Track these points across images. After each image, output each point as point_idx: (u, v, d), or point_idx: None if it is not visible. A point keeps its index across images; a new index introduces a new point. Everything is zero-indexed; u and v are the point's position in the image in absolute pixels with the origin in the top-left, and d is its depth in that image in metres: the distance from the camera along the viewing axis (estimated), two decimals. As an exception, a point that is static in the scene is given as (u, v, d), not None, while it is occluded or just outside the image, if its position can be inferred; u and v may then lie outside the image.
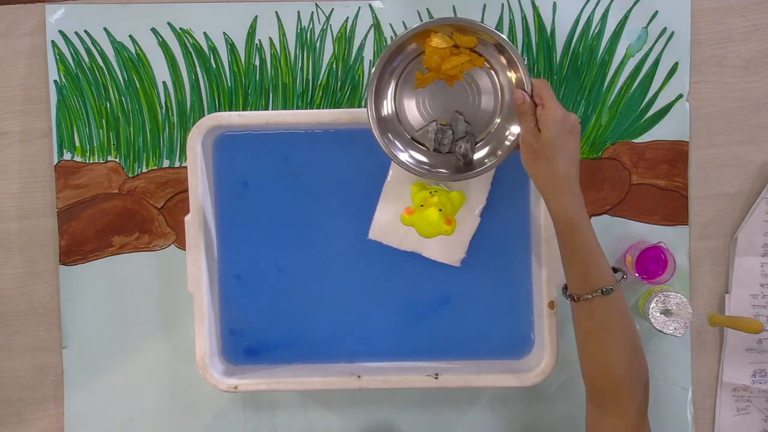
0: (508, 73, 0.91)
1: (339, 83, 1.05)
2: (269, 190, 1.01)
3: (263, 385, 0.97)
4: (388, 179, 0.99)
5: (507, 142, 0.91)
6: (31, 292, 1.06)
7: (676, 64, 1.03)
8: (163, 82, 1.05)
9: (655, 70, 1.04)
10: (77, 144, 1.05)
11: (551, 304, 0.96)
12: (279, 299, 1.02)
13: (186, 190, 0.98)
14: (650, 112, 1.04)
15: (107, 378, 1.05)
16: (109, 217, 1.05)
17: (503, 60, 0.90)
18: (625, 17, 1.03)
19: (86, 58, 1.04)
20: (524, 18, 1.04)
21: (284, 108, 1.05)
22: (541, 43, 1.04)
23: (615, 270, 0.85)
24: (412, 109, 0.94)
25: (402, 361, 1.01)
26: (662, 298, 0.97)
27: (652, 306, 0.97)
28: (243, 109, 1.05)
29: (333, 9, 1.04)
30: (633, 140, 1.04)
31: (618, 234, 1.03)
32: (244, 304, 1.02)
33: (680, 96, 1.04)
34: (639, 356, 0.85)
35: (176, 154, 1.05)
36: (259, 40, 1.04)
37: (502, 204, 0.99)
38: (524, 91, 0.86)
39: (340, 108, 1.04)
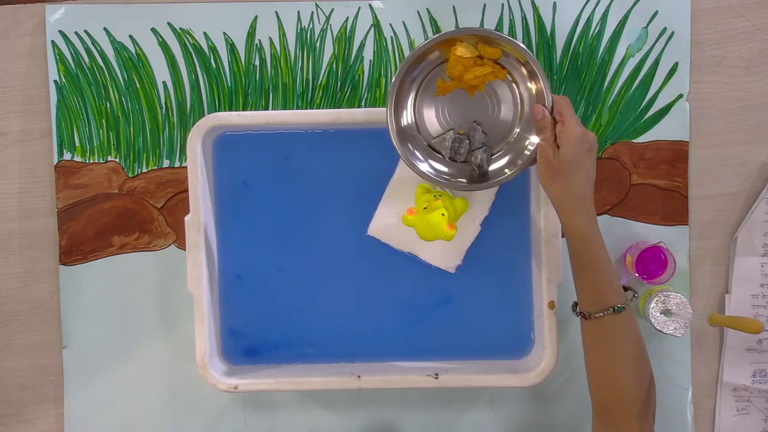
0: (529, 84, 0.91)
1: (339, 83, 1.05)
2: (269, 190, 1.01)
3: (263, 385, 0.97)
4: (394, 178, 0.99)
5: (527, 152, 0.91)
6: (31, 292, 1.06)
7: (676, 64, 1.03)
8: (163, 82, 1.05)
9: (655, 70, 1.04)
10: (77, 144, 1.05)
11: (551, 304, 0.96)
12: (279, 299, 1.02)
13: (186, 190, 0.98)
14: (650, 112, 1.04)
15: (107, 378, 1.05)
16: (109, 217, 1.05)
17: (524, 71, 0.91)
18: (625, 17, 1.03)
19: (86, 58, 1.04)
20: (524, 18, 1.04)
21: (284, 108, 1.05)
22: (541, 43, 1.04)
23: (625, 289, 0.86)
24: (431, 117, 0.94)
25: (402, 361, 1.01)
26: (662, 298, 0.97)
27: (652, 306, 0.97)
28: (243, 109, 1.05)
29: (333, 9, 1.04)
30: (633, 140, 1.04)
31: (618, 234, 1.03)
32: (244, 304, 1.02)
33: (680, 96, 1.04)
34: (649, 375, 0.85)
35: (176, 154, 1.05)
36: (259, 40, 1.04)
37: (503, 205, 0.99)
38: (544, 106, 0.87)
39: (340, 108, 1.04)
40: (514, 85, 0.92)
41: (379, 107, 1.04)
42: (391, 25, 1.04)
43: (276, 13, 1.04)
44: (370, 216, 1.00)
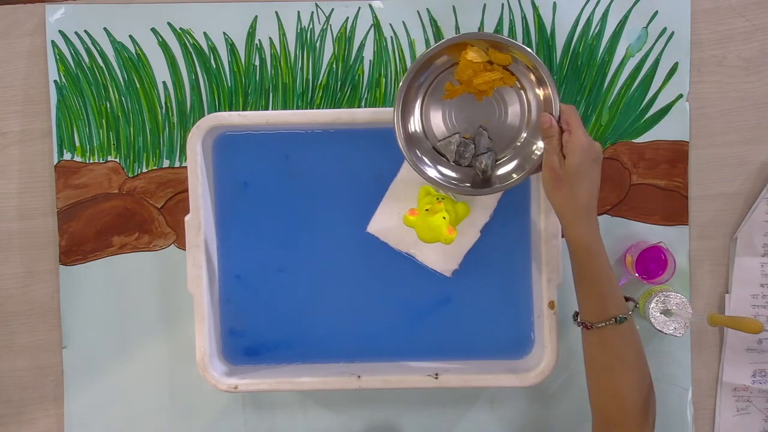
0: (537, 90, 0.91)
1: (339, 83, 1.05)
2: (269, 190, 1.01)
3: (263, 385, 0.97)
4: (397, 178, 0.99)
5: (533, 157, 0.91)
6: (31, 292, 1.06)
7: (676, 64, 1.03)
8: (163, 82, 1.05)
9: (655, 70, 1.04)
10: (77, 144, 1.05)
11: (551, 304, 0.96)
12: (279, 299, 1.02)
13: (186, 190, 0.98)
14: (650, 112, 1.04)
15: (107, 378, 1.05)
16: (109, 217, 1.05)
17: (533, 77, 0.91)
18: (625, 17, 1.03)
19: (86, 58, 1.04)
20: (524, 18, 1.04)
21: (284, 108, 1.05)
22: (541, 43, 1.04)
23: (626, 299, 0.86)
24: (437, 120, 0.94)
25: (402, 361, 1.01)
26: (662, 298, 0.97)
27: (652, 306, 0.97)
28: (243, 109, 1.05)
29: (333, 9, 1.04)
30: (633, 140, 1.04)
31: (618, 234, 1.03)
32: (244, 304, 1.02)
33: (680, 96, 1.04)
34: (649, 384, 0.85)
35: (176, 154, 1.05)
36: (259, 40, 1.04)
37: (504, 204, 0.99)
38: (551, 114, 0.87)
39: (340, 108, 1.04)
40: (522, 91, 0.92)
41: (379, 107, 1.04)
42: (391, 25, 1.04)
43: (276, 13, 1.04)
44: (370, 216, 1.00)
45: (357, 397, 1.05)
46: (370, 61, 1.04)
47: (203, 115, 1.01)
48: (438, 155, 0.95)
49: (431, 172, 0.93)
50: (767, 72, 1.03)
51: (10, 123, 1.05)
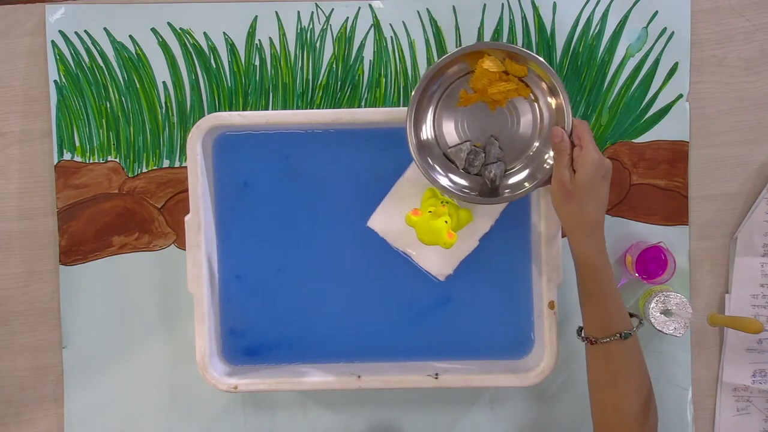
0: (549, 99, 0.91)
1: (339, 83, 1.05)
2: (269, 190, 1.01)
3: (263, 385, 0.97)
4: (404, 177, 0.99)
5: (545, 166, 0.91)
6: (31, 292, 1.06)
7: (676, 64, 1.03)
8: (163, 82, 1.05)
9: (655, 70, 1.04)
10: (77, 144, 1.05)
11: (551, 304, 0.96)
12: (279, 299, 1.02)
13: (186, 190, 0.98)
14: (650, 112, 1.04)
15: (107, 378, 1.05)
16: (109, 217, 1.05)
17: (545, 87, 0.91)
18: (625, 17, 1.03)
19: (86, 58, 1.04)
20: (524, 18, 1.04)
21: (284, 108, 1.05)
22: (541, 43, 1.04)
23: (630, 315, 0.87)
24: (449, 128, 0.95)
25: (402, 361, 1.01)
26: (662, 298, 0.97)
27: (652, 306, 0.97)
28: (243, 109, 1.05)
29: (333, 9, 1.04)
30: (633, 140, 1.04)
31: (618, 234, 1.03)
32: (244, 304, 1.02)
33: (680, 96, 1.04)
34: (652, 401, 0.86)
35: (176, 154, 1.05)
36: (259, 40, 1.04)
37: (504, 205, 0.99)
38: (563, 128, 0.87)
39: (340, 108, 1.04)
40: (535, 103, 0.93)
41: (379, 107, 1.04)
42: (391, 25, 1.04)
43: (276, 13, 1.04)
44: (370, 216, 1.00)
45: (357, 397, 1.05)
46: (370, 61, 1.04)
47: (203, 115, 1.01)
48: (448, 162, 0.95)
49: (442, 180, 0.93)
50: (767, 72, 1.03)
51: (10, 123, 1.05)
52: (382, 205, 0.99)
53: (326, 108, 1.05)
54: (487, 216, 0.98)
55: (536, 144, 0.93)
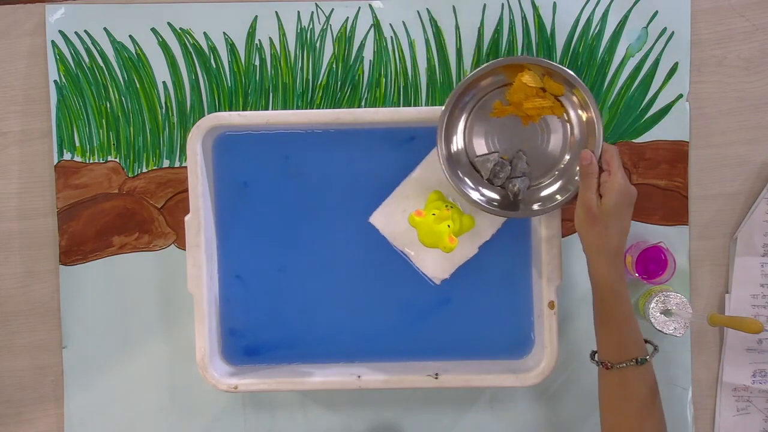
0: (579, 111, 0.92)
1: (339, 83, 1.05)
2: (269, 190, 1.01)
3: (263, 385, 0.97)
4: (411, 176, 0.99)
5: (577, 178, 0.91)
6: (31, 292, 1.06)
7: (676, 64, 1.03)
8: (163, 82, 1.05)
9: (655, 70, 1.04)
10: (77, 144, 1.05)
11: (551, 304, 0.96)
12: (279, 299, 1.02)
13: (186, 190, 0.98)
14: (650, 112, 1.04)
15: (107, 378, 1.05)
16: (109, 217, 1.05)
17: (575, 99, 0.92)
18: (625, 17, 1.03)
19: (86, 58, 1.04)
20: (524, 18, 1.04)
21: (284, 108, 1.05)
22: (541, 43, 1.04)
23: (645, 341, 0.87)
24: (479, 140, 0.95)
25: (402, 361, 1.01)
26: (662, 298, 0.97)
27: (652, 306, 0.97)
28: (243, 109, 1.05)
29: (333, 9, 1.04)
30: (633, 140, 1.04)
31: (618, 234, 1.03)
32: (244, 304, 1.02)
33: (680, 96, 1.04)
34: (663, 425, 0.86)
35: (176, 154, 1.05)
36: (259, 40, 1.04)
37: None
38: (592, 152, 0.88)
39: (340, 108, 1.04)
40: (567, 124, 0.93)
41: (379, 107, 1.04)
42: (391, 25, 1.04)
43: (276, 13, 1.04)
44: (370, 216, 1.00)
45: (357, 397, 1.05)
46: (370, 61, 1.04)
47: (203, 115, 1.01)
48: (478, 175, 0.95)
49: (473, 195, 0.94)
50: (767, 72, 1.03)
51: (10, 123, 1.05)
52: (386, 203, 0.99)
53: (326, 108, 1.05)
54: (489, 225, 0.98)
55: (567, 157, 0.94)
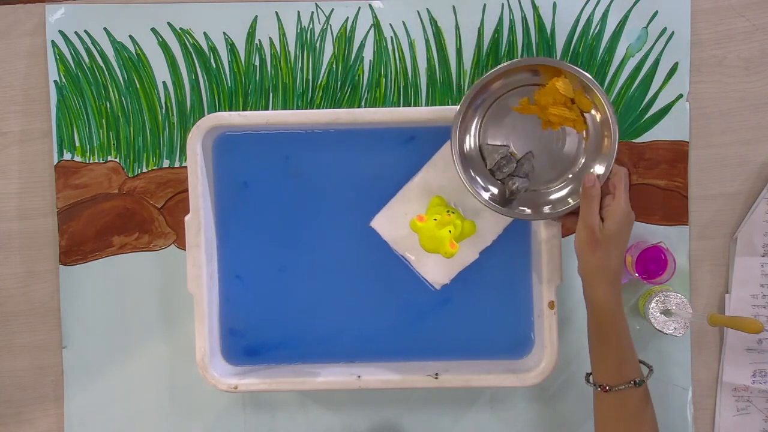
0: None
1: (339, 83, 1.05)
2: (269, 190, 1.01)
3: (263, 385, 0.97)
4: (414, 181, 0.99)
5: None
6: (31, 292, 1.06)
7: (676, 64, 1.03)
8: (163, 82, 1.05)
9: (655, 70, 1.04)
10: (77, 144, 1.05)
11: (551, 304, 0.96)
12: (279, 299, 1.02)
13: (186, 190, 0.98)
14: (650, 112, 1.04)
15: (107, 378, 1.05)
16: (109, 217, 1.05)
17: (598, 118, 0.92)
18: (625, 17, 1.03)
19: (86, 58, 1.04)
20: (524, 18, 1.04)
21: (284, 108, 1.05)
22: (541, 43, 1.04)
23: (641, 362, 0.88)
24: (495, 137, 0.95)
25: (402, 361, 1.01)
26: (662, 298, 0.97)
27: (652, 306, 0.97)
28: (243, 109, 1.05)
29: (333, 9, 1.04)
30: (633, 140, 1.04)
31: (618, 234, 1.03)
32: (244, 304, 1.02)
33: (680, 96, 1.04)
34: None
35: (176, 154, 1.05)
36: (259, 40, 1.04)
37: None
38: (598, 175, 0.89)
39: (340, 108, 1.04)
40: (585, 141, 0.94)
41: (379, 107, 1.04)
42: (391, 25, 1.04)
43: (276, 13, 1.04)
44: (370, 216, 1.00)
45: (357, 397, 1.05)
46: (370, 61, 1.04)
47: (203, 115, 1.01)
48: (491, 177, 0.95)
49: (485, 194, 0.94)
50: (767, 72, 1.03)
51: (10, 123, 1.05)
52: (387, 207, 0.99)
53: (326, 108, 1.05)
54: (491, 230, 0.98)
55: (582, 160, 0.94)
